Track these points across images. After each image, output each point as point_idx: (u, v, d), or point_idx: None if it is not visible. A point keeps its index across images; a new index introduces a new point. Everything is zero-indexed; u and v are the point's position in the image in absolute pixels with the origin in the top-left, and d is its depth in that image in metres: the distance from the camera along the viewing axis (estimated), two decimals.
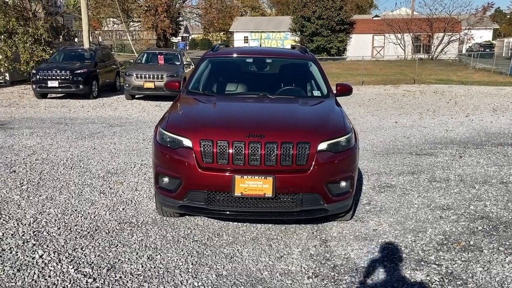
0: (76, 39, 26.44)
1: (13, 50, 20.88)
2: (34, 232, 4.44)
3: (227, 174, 3.94)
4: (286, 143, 3.95)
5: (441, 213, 5.14)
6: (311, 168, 3.97)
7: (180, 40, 70.53)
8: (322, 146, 4.04)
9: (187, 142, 4.05)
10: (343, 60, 36.86)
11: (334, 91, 5.44)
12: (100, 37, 32.46)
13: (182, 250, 4.12)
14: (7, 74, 21.75)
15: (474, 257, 4.06)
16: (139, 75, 15.33)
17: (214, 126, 4.17)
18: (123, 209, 5.13)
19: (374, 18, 44.92)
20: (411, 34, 39.89)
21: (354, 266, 3.88)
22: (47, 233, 4.43)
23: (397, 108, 15.04)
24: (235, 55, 6.12)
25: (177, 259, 3.94)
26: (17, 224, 4.62)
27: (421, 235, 4.53)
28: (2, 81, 21.85)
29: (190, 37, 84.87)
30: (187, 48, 69.78)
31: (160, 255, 4.01)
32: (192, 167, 3.99)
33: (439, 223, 4.86)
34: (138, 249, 4.13)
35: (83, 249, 4.11)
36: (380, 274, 3.74)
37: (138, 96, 16.39)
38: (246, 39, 64.60)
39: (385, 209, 5.28)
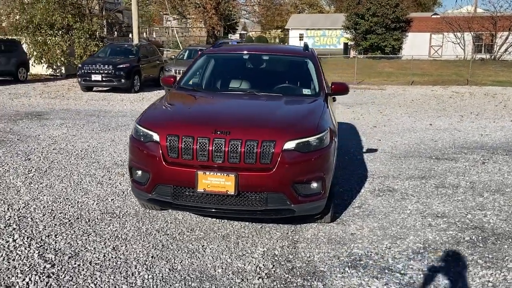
0: (130, 35, 27.40)
1: (67, 44, 22.02)
2: (19, 217, 4.67)
3: (190, 169, 3.95)
4: (251, 141, 3.90)
5: (432, 221, 4.88)
6: (276, 167, 3.90)
7: (238, 37, 71.33)
8: (289, 145, 3.95)
9: (155, 137, 4.11)
10: (398, 59, 35.75)
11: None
12: (155, 33, 33.45)
13: (149, 243, 4.18)
14: (62, 68, 22.98)
15: (446, 268, 3.82)
16: (177, 71, 15.67)
17: (181, 121, 4.20)
18: (112, 200, 5.27)
19: (433, 16, 43.14)
20: (471, 33, 37.99)
21: (312, 270, 3.77)
22: (31, 219, 4.65)
23: (439, 110, 14.41)
24: (233, 52, 6.11)
25: (139, 251, 4.00)
26: (7, 208, 4.88)
27: (399, 242, 4.32)
28: (58, 74, 23.13)
29: (247, 34, 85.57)
30: None
31: (126, 246, 4.09)
32: (159, 162, 4.04)
33: (424, 230, 4.62)
34: (108, 239, 4.24)
35: (57, 236, 4.27)
36: (334, 280, 3.61)
37: None
38: (301, 37, 64.19)
39: (375, 213, 5.09)
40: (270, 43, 55.66)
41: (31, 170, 6.31)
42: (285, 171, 3.92)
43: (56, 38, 21.91)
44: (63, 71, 23.02)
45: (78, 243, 4.13)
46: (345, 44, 42.84)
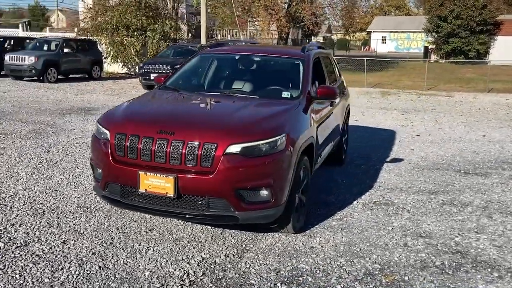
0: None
1: (141, 45, 23.16)
2: (0, 205, 4.95)
3: (134, 169, 3.92)
4: (192, 142, 3.79)
5: (410, 240, 4.44)
6: (217, 171, 3.75)
7: (322, 40, 70.69)
8: (233, 149, 3.78)
9: (107, 135, 4.13)
10: (484, 65, 33.25)
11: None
12: (230, 36, 34.16)
13: (99, 240, 4.21)
14: (136, 67, 24.19)
15: None
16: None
17: (130, 120, 4.18)
18: (95, 194, 5.40)
19: None
20: None
21: (241, 282, 3.57)
22: (10, 207, 4.89)
23: (504, 120, 13.17)
24: (226, 53, 6.00)
25: (85, 247, 4.04)
26: None
27: (356, 261, 3.97)
28: (132, 73, 24.39)
29: (330, 37, 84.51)
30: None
31: (75, 241, 4.16)
32: (108, 159, 4.06)
33: (394, 250, 4.21)
34: (66, 232, 4.34)
35: (21, 225, 4.45)
36: None
37: None
38: (383, 39, 62.11)
39: (352, 227, 4.73)
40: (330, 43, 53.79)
41: (42, 162, 6.67)
42: (227, 176, 3.76)
43: (132, 38, 23.15)
44: (137, 70, 24.23)
45: (35, 234, 4.27)
46: (425, 48, 40.71)
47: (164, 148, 3.83)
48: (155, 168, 3.88)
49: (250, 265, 3.85)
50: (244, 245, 4.22)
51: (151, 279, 3.56)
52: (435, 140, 9.81)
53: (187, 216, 3.93)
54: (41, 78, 17.66)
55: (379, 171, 7.06)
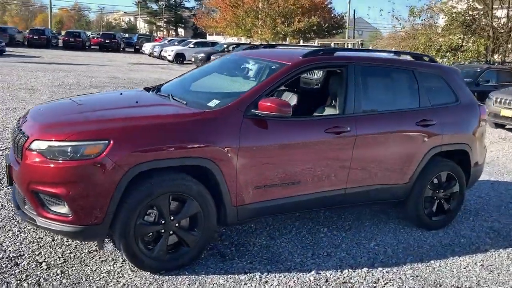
0: None
1: None
2: None
3: None
4: (21, 133, 3.65)
5: None
6: (20, 165, 3.52)
7: None
8: (36, 144, 3.38)
9: None
10: None
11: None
12: None
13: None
14: None
15: None
16: None
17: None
18: None
19: None
20: None
21: None
22: None
23: None
24: (235, 57, 5.18)
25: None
26: None
27: None
28: None
29: None
30: None
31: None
32: None
33: None
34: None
35: None
36: None
37: None
38: None
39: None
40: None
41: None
42: (24, 172, 3.47)
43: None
44: None
45: None
46: None
47: (16, 138, 3.77)
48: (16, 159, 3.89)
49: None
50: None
51: None
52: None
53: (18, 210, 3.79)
54: None
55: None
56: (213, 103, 3.95)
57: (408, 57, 5.09)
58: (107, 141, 3.32)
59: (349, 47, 22.14)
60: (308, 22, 31.23)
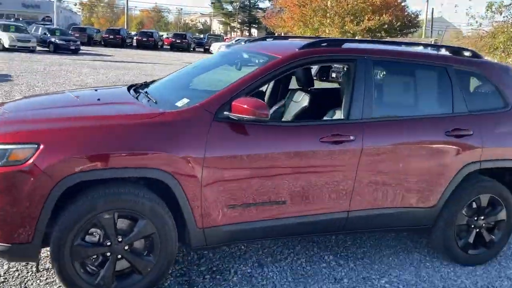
0: None
1: None
2: None
3: None
4: None
5: None
6: None
7: None
8: None
9: None
10: None
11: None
12: None
13: None
14: None
15: None
16: None
17: None
18: None
19: None
20: None
21: None
22: None
23: None
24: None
25: None
26: None
27: None
28: None
29: None
30: None
31: None
32: None
33: None
34: None
35: None
36: None
37: None
38: None
39: None
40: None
41: None
42: None
43: None
44: None
45: None
46: None
47: None
48: None
49: None
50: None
51: None
52: None
53: None
54: None
55: None
56: (182, 102, 3.32)
57: (443, 51, 4.14)
58: (36, 145, 2.80)
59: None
60: (379, 20, 29.61)
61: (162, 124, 3.04)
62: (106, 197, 2.91)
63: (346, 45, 3.75)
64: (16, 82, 12.87)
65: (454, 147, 3.73)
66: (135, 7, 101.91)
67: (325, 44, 3.67)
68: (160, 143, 2.97)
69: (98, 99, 3.63)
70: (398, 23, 32.03)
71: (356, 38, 31.88)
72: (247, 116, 3.05)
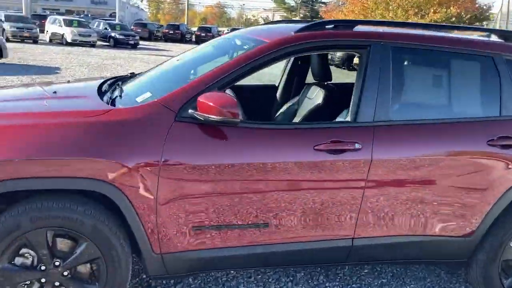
0: None
1: None
2: None
3: None
4: None
5: None
6: None
7: None
8: None
9: None
10: None
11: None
12: None
13: None
14: None
15: None
16: None
17: None
18: None
19: None
20: None
21: None
22: None
23: None
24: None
25: None
26: None
27: None
28: None
29: None
30: None
31: None
32: None
33: None
34: None
35: None
36: None
37: None
38: None
39: None
40: None
41: None
42: None
43: None
44: None
45: None
46: None
47: None
48: None
49: None
50: None
51: None
52: None
53: None
54: None
55: None
56: (143, 97, 2.71)
57: (493, 37, 3.24)
58: None
59: None
60: (446, 13, 27.57)
61: (104, 124, 2.44)
62: (33, 213, 2.35)
63: (358, 28, 2.97)
64: (62, 74, 12.94)
65: (499, 160, 2.86)
66: (199, 3, 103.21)
67: (331, 26, 2.91)
68: (99, 147, 2.37)
69: (54, 92, 3.08)
70: (468, 16, 29.68)
71: None
72: (213, 116, 2.39)
